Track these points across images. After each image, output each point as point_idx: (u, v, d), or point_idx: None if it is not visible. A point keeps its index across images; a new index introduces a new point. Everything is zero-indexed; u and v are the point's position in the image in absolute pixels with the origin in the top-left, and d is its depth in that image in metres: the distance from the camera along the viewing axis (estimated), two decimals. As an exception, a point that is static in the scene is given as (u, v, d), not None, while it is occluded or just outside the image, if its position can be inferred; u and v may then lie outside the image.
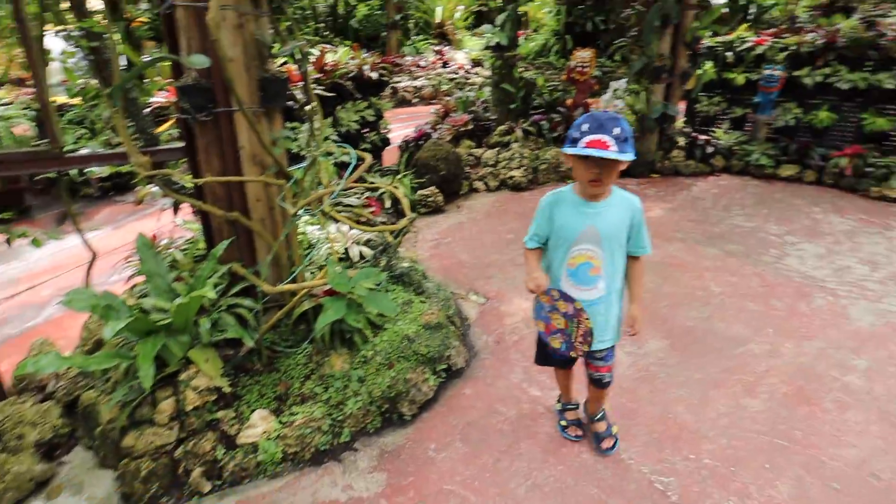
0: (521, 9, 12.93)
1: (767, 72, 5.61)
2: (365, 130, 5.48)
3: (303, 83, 2.53)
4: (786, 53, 5.73)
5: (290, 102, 4.35)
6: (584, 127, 1.62)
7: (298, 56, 2.43)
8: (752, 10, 11.27)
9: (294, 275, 2.59)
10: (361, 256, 3.28)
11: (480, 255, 4.19)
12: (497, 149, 5.74)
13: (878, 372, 2.76)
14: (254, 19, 2.23)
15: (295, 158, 3.40)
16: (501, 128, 5.87)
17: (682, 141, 5.99)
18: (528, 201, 5.26)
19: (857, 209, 4.86)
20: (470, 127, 5.95)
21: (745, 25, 6.51)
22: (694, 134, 5.98)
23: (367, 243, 3.44)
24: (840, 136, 5.70)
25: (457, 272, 3.93)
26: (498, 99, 6.06)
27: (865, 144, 5.41)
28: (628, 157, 1.57)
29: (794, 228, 4.51)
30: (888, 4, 10.61)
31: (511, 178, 5.48)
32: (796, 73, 5.71)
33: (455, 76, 10.43)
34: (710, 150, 5.75)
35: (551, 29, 10.98)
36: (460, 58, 10.98)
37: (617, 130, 1.58)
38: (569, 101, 6.14)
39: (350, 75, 5.09)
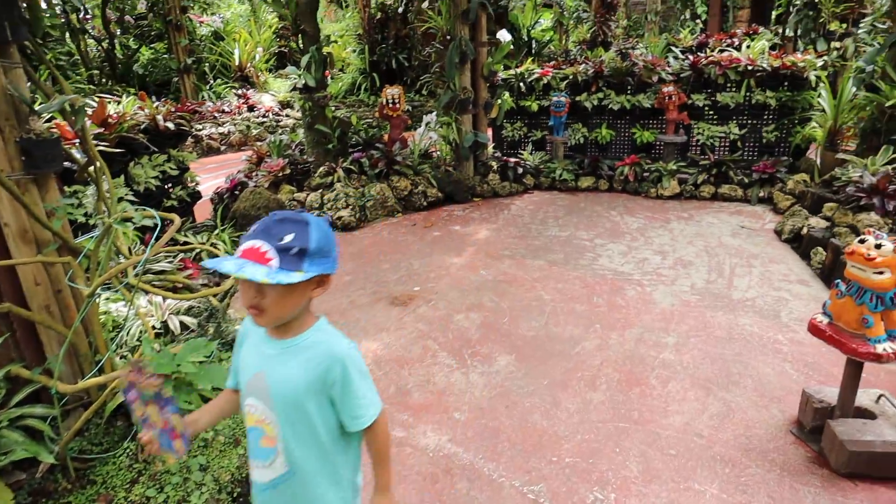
0: (326, 49, 13.20)
1: (555, 98, 6.50)
2: (169, 186, 5.02)
3: (80, 141, 2.23)
4: (566, 82, 6.71)
5: (68, 164, 3.79)
6: (251, 228, 1.16)
7: (69, 110, 2.14)
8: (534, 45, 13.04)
9: (100, 364, 2.23)
10: (184, 327, 2.96)
11: (318, 301, 4.07)
12: (321, 191, 5.69)
13: (683, 345, 3.30)
14: (1, 71, 1.92)
15: (85, 228, 2.96)
16: (322, 169, 5.85)
17: (495, 165, 6.59)
18: (361, 240, 5.29)
19: (644, 209, 5.82)
20: (288, 171, 5.82)
21: (529, 59, 7.50)
22: (505, 158, 6.63)
23: (188, 311, 3.12)
24: (621, 149, 6.81)
25: (298, 325, 3.76)
26: (314, 140, 6.04)
27: (640, 154, 6.54)
28: (286, 277, 1.07)
29: (600, 232, 5.23)
30: (634, 39, 13.18)
31: (339, 218, 5.46)
32: (578, 99, 6.71)
33: (264, 120, 10.15)
34: (520, 171, 6.43)
35: (357, 67, 11.38)
36: (267, 100, 10.76)
37: (288, 238, 1.10)
38: (385, 137, 6.38)
39: (141, 127, 4.64)
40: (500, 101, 6.70)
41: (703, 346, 3.27)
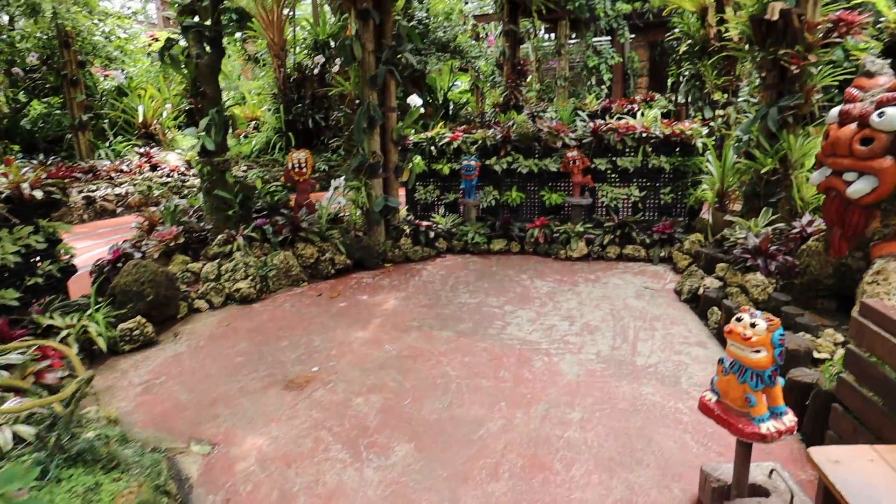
0: (233, 110, 12.94)
1: (465, 162, 6.61)
2: (37, 260, 4.51)
3: None
4: (476, 146, 6.86)
5: None
6: None
7: None
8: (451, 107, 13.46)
9: None
10: (18, 440, 2.53)
11: (204, 391, 3.70)
12: (218, 260, 5.34)
13: (588, 420, 3.23)
14: None
15: None
16: (220, 237, 5.52)
17: (408, 229, 6.52)
18: (260, 314, 4.96)
19: (554, 271, 5.90)
20: (182, 240, 5.44)
21: (441, 124, 7.66)
22: (417, 221, 6.59)
23: (30, 419, 2.69)
24: (531, 210, 6.97)
25: (174, 419, 3.37)
26: (212, 206, 5.72)
27: (549, 216, 6.71)
28: None
29: (510, 298, 5.21)
30: (545, 103, 13.96)
31: (238, 290, 5.12)
32: (488, 162, 6.85)
33: (169, 180, 9.66)
34: (432, 234, 6.39)
35: (272, 126, 11.20)
36: (173, 159, 10.29)
37: None
38: (292, 202, 6.17)
39: (1, 196, 4.18)
40: (411, 164, 6.73)
41: (607, 421, 3.22)
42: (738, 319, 2.29)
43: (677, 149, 6.32)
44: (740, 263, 4.70)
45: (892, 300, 3.44)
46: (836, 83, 5.00)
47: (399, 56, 6.18)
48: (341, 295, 5.40)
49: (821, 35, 4.79)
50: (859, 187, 3.60)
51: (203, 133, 5.72)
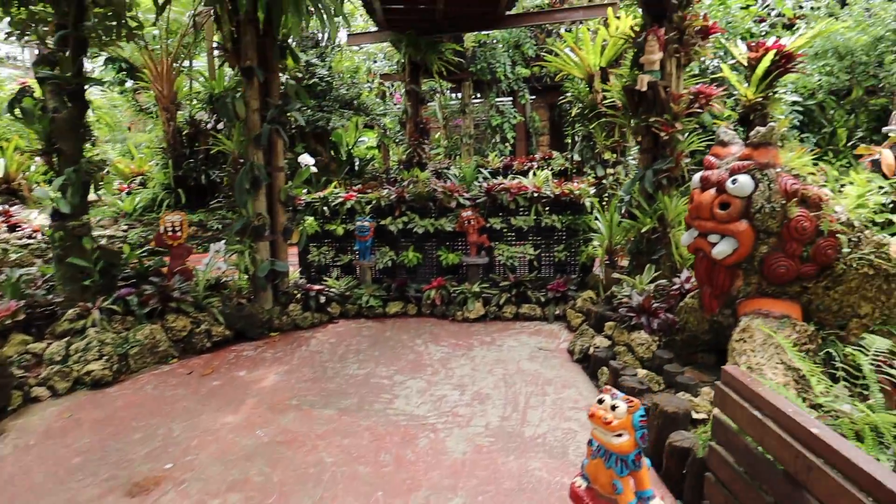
0: (117, 164, 12.13)
1: (359, 223, 6.43)
2: None
3: None
4: (371, 206, 6.72)
5: None
6: None
7: None
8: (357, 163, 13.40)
9: None
10: None
11: (20, 500, 3.10)
12: (67, 338, 4.72)
13: (466, 510, 3.00)
14: None
15: None
16: (72, 311, 4.90)
17: (298, 294, 6.17)
18: (114, 400, 4.38)
19: (450, 334, 5.75)
20: (22, 316, 4.77)
21: (332, 185, 7.49)
22: (308, 286, 6.26)
23: None
24: (429, 271, 6.86)
25: (-29, 550, 2.77)
26: (65, 276, 5.11)
27: (447, 276, 6.63)
28: None
29: (401, 366, 4.97)
30: (450, 160, 14.29)
31: (89, 373, 4.51)
32: (383, 222, 6.72)
33: (30, 241, 8.68)
34: (323, 299, 6.08)
35: (160, 182, 10.54)
36: (38, 219, 9.30)
37: None
38: (165, 269, 5.67)
39: None
40: (301, 226, 6.45)
41: (488, 507, 3.01)
42: (600, 402, 2.21)
43: (568, 208, 6.52)
44: (626, 322, 4.78)
45: (756, 357, 3.57)
46: (703, 148, 5.39)
47: (287, 114, 6.01)
48: (216, 372, 4.91)
49: (685, 105, 5.18)
50: (722, 249, 3.78)
51: (57, 194, 5.17)
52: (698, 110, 5.17)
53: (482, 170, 10.90)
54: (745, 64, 5.53)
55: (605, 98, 8.88)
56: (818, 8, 10.68)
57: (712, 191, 3.88)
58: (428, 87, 15.15)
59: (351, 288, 6.51)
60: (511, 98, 14.70)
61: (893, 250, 3.77)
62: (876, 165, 5.05)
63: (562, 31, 13.96)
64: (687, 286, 4.95)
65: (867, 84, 8.95)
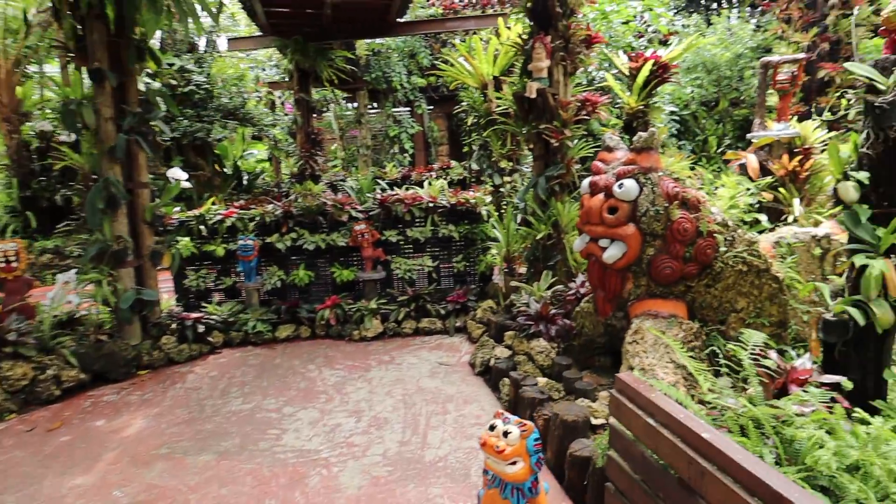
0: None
1: (241, 242, 5.96)
2: None
3: None
4: (255, 223, 6.27)
5: None
6: None
7: None
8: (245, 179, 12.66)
9: None
10: None
11: None
12: None
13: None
14: None
15: None
16: None
17: (173, 324, 5.57)
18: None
19: (346, 356, 5.45)
20: None
21: (212, 199, 6.93)
22: (184, 314, 5.68)
23: None
24: (322, 289, 6.51)
25: None
26: None
27: (342, 293, 6.31)
28: None
29: (292, 396, 4.60)
30: (347, 172, 13.94)
31: None
32: (269, 240, 6.28)
33: None
34: (202, 328, 5.54)
35: (4, 204, 9.25)
36: None
37: None
38: None
39: None
40: (174, 248, 5.86)
41: (384, 549, 2.77)
42: (491, 428, 2.06)
43: (464, 217, 6.47)
44: (525, 330, 4.76)
45: (648, 358, 3.64)
46: (592, 154, 5.55)
47: (149, 124, 5.43)
48: (66, 424, 4.25)
49: (573, 112, 5.31)
50: (612, 253, 3.83)
51: None
52: (586, 117, 5.32)
53: (380, 181, 10.68)
54: (627, 74, 5.79)
55: (498, 107, 9.06)
56: (688, 26, 11.67)
57: (601, 195, 3.94)
58: (321, 97, 14.73)
59: (235, 313, 6.01)
60: (408, 108, 14.65)
61: (763, 247, 4.03)
62: (743, 169, 5.47)
63: (456, 41, 14.17)
64: (583, 291, 5.03)
65: (731, 96, 9.85)
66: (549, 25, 5.29)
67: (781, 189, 5.00)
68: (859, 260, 3.16)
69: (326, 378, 4.95)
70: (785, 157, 5.19)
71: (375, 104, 14.97)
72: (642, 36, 11.43)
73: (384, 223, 6.44)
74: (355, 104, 14.98)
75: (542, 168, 5.64)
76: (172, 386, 4.91)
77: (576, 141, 5.41)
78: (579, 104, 5.32)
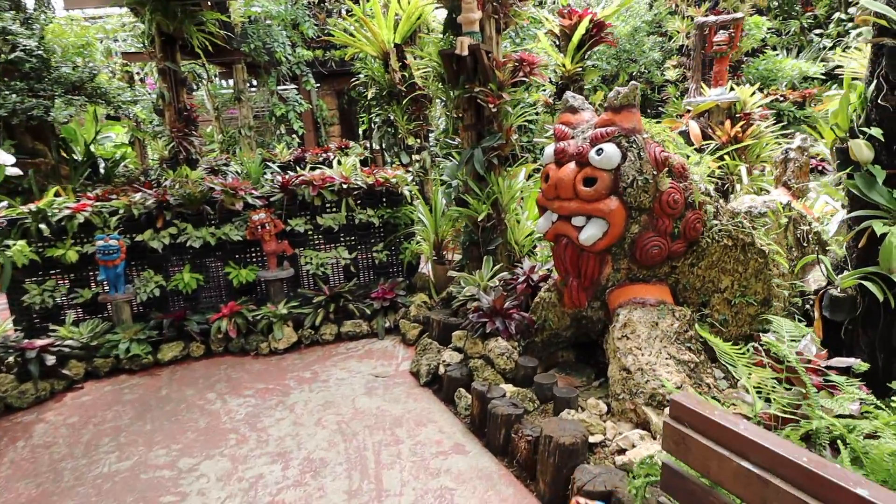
0: None
1: (100, 243, 4.53)
2: None
3: None
4: (118, 218, 4.81)
5: None
6: None
7: None
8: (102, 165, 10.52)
9: None
10: None
11: None
12: None
13: None
14: None
15: None
16: None
17: (10, 357, 4.06)
18: None
19: (255, 377, 4.31)
20: None
21: (55, 190, 5.28)
22: (27, 342, 4.17)
23: None
24: (216, 296, 5.24)
25: None
26: None
27: (241, 298, 5.10)
28: None
29: (189, 441, 3.43)
30: (229, 155, 12.18)
31: None
32: (140, 238, 4.88)
33: None
34: (52, 359, 4.09)
35: None
36: None
37: None
38: None
39: None
40: (1, 256, 4.27)
41: None
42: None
43: (383, 200, 5.51)
44: (479, 329, 3.97)
45: (644, 355, 3.02)
46: (528, 124, 4.85)
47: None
48: None
49: (510, 73, 4.55)
50: (592, 233, 3.15)
51: None
52: (523, 79, 4.58)
53: (270, 164, 9.26)
54: (558, 34, 5.15)
55: (404, 77, 8.10)
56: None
57: (572, 165, 3.23)
58: (191, 71, 12.69)
59: (100, 334, 4.58)
60: (295, 85, 13.10)
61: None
62: (684, 136, 5.11)
63: (343, 11, 12.84)
64: (535, 277, 4.35)
65: (630, 70, 9.73)
66: (480, -28, 4.45)
67: (726, 157, 4.69)
68: (879, 227, 2.74)
69: (233, 410, 3.81)
70: (728, 124, 4.89)
71: (255, 80, 13.26)
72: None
73: (289, 210, 5.29)
74: (231, 81, 13.14)
75: (474, 138, 4.84)
76: (12, 445, 3.49)
77: (515, 106, 4.67)
78: (516, 64, 4.57)
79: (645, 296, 3.26)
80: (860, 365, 2.83)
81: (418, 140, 8.55)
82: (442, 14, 8.99)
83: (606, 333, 3.35)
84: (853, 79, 2.94)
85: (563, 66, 4.97)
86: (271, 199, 5.24)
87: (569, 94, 3.52)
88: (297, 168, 9.08)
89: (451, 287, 4.75)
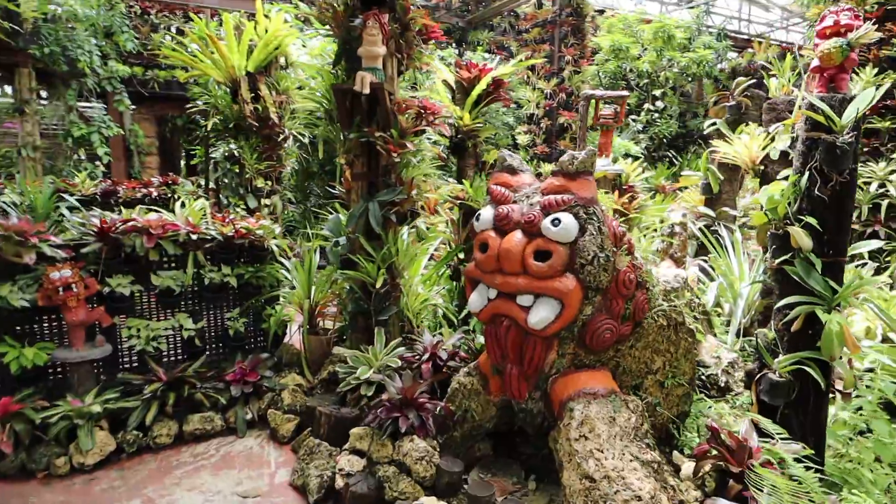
0: None
1: None
2: None
3: None
4: None
5: None
6: None
7: None
8: None
9: None
10: None
11: None
12: None
13: None
14: None
15: None
16: None
17: None
18: None
19: (48, 517, 2.85)
20: None
21: None
22: None
23: None
24: (-21, 385, 3.52)
25: None
26: None
27: (22, 391, 3.51)
28: None
29: None
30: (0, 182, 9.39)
31: None
32: None
33: None
34: None
35: None
36: None
37: None
38: None
39: None
40: None
41: None
42: None
43: (243, 254, 4.40)
44: (387, 426, 3.15)
45: (609, 459, 2.54)
46: (423, 177, 4.28)
47: None
48: None
49: (412, 120, 3.96)
50: (543, 316, 2.63)
51: None
52: (425, 127, 4.02)
53: (65, 197, 7.20)
54: (453, 86, 4.76)
55: (256, 110, 6.99)
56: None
57: (518, 235, 2.71)
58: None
59: None
60: (103, 104, 10.78)
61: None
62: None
63: (172, 28, 11.11)
64: (442, 354, 3.70)
65: (486, 133, 9.92)
66: (382, 2, 3.85)
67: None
68: (823, 315, 2.69)
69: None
70: (616, 194, 4.93)
71: (48, 92, 10.66)
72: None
73: (108, 265, 3.87)
74: (11, 88, 10.35)
75: (365, 189, 4.11)
76: None
77: (418, 157, 4.07)
78: (419, 111, 4.01)
79: (594, 385, 2.83)
80: (805, 450, 2.74)
81: (269, 182, 7.44)
82: (299, 49, 8.16)
83: (554, 431, 2.81)
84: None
85: (461, 119, 4.57)
86: (82, 251, 3.78)
87: (505, 152, 3.05)
88: (112, 205, 7.27)
89: (337, 367, 3.84)
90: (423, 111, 4.00)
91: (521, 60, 4.68)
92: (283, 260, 4.60)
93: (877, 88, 2.55)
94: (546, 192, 2.78)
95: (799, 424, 2.91)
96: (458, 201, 4.73)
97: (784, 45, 13.27)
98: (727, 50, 11.56)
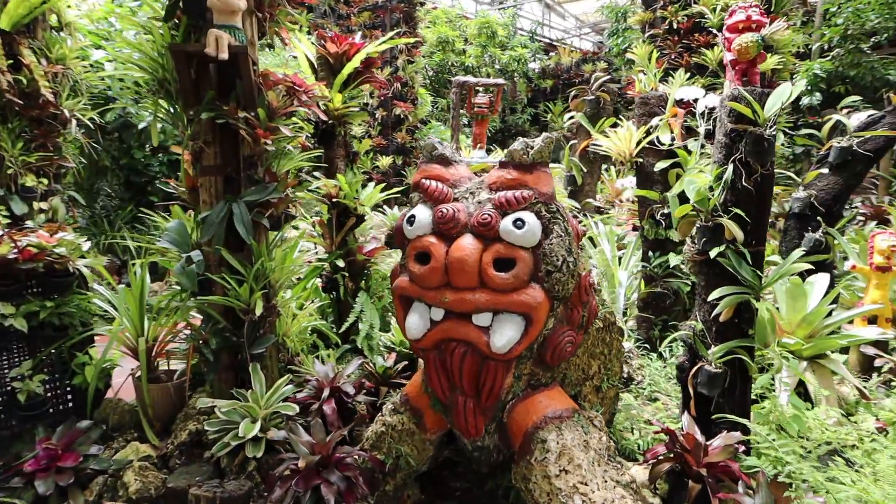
0: None
1: None
2: None
3: None
4: None
5: None
6: None
7: None
8: None
9: None
10: None
11: None
12: None
13: None
14: None
15: None
16: None
17: None
18: None
19: None
20: None
21: None
22: None
23: None
24: None
25: None
26: None
27: None
28: None
29: None
30: None
31: None
32: None
33: None
34: None
35: None
36: None
37: None
38: None
39: None
40: None
41: None
42: None
43: (35, 285, 3.04)
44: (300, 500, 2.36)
45: (595, 492, 2.21)
46: (296, 170, 3.45)
47: None
48: None
49: (283, 98, 3.10)
50: (511, 336, 2.18)
51: None
52: (297, 108, 3.19)
53: None
54: (315, 63, 3.95)
55: (19, 82, 5.11)
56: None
57: (469, 240, 2.19)
58: None
59: None
60: None
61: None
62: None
63: None
64: (348, 389, 3.00)
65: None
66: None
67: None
68: (756, 304, 2.71)
69: None
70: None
71: None
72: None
73: None
74: None
75: (221, 187, 3.13)
76: None
77: (295, 145, 3.22)
78: (290, 87, 3.16)
79: (556, 407, 2.46)
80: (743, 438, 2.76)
81: (43, 180, 5.60)
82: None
83: (519, 467, 2.37)
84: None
85: (331, 102, 3.79)
86: None
87: (434, 139, 2.47)
88: None
89: (204, 424, 2.85)
90: (295, 88, 3.17)
91: (391, 38, 4.07)
92: (99, 286, 3.32)
93: (793, 85, 2.61)
94: (496, 187, 2.29)
95: (730, 412, 2.95)
96: (332, 199, 3.99)
97: (583, 50, 14.79)
98: (538, 51, 12.37)
